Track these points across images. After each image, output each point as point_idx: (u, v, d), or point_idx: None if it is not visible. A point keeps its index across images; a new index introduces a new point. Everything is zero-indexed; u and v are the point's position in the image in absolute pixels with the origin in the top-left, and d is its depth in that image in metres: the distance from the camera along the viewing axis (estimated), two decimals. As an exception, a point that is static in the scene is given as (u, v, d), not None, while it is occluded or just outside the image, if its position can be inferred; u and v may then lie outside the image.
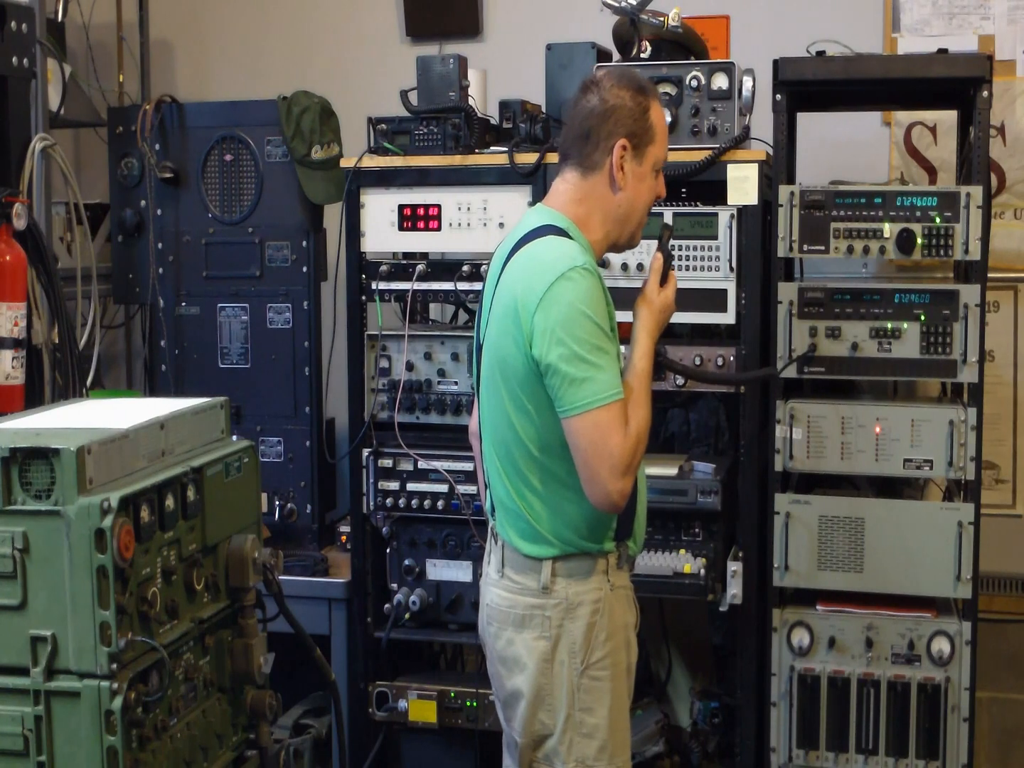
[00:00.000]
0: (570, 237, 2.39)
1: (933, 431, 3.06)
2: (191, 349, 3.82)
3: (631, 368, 2.42)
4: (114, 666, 1.82)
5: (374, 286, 3.40)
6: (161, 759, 1.94)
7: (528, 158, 3.27)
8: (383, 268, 3.39)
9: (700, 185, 3.19)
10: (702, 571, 3.12)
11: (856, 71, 3.11)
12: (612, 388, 2.28)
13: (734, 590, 3.12)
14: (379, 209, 3.40)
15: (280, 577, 2.26)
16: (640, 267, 3.15)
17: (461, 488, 3.34)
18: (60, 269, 3.27)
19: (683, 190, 3.23)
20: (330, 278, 3.66)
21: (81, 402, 2.39)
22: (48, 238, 3.31)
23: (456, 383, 3.38)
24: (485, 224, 3.33)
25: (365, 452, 3.43)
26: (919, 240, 3.04)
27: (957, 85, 3.14)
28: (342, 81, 4.22)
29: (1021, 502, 3.89)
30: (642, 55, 3.28)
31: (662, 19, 3.26)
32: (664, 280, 2.54)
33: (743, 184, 3.10)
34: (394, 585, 3.46)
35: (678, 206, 3.18)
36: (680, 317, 2.91)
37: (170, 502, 1.97)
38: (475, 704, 3.40)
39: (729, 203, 3.11)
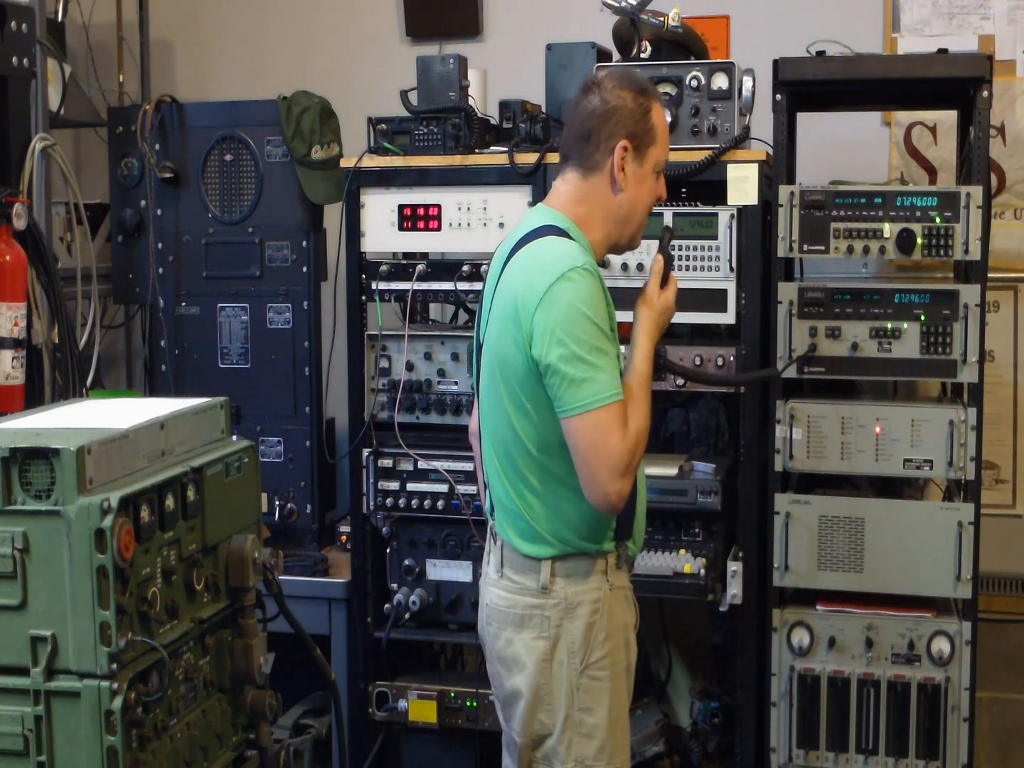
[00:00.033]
0: (570, 237, 2.39)
1: (933, 431, 3.06)
2: (191, 349, 3.82)
3: (631, 369, 2.42)
4: (114, 666, 1.82)
5: (374, 286, 3.40)
6: (161, 759, 1.94)
7: (528, 158, 3.26)
8: (383, 268, 3.39)
9: (700, 185, 3.19)
10: (702, 571, 3.12)
11: (856, 71, 3.11)
12: (612, 389, 2.28)
13: (734, 590, 3.12)
14: (379, 209, 3.40)
15: (280, 577, 2.26)
16: (640, 267, 3.15)
17: (461, 488, 3.34)
18: (60, 269, 3.27)
19: (683, 190, 3.23)
20: (330, 278, 3.66)
21: (81, 402, 2.39)
22: (48, 238, 3.31)
23: (456, 383, 3.38)
24: (485, 224, 3.33)
25: (365, 452, 3.43)
26: (919, 240, 3.04)
27: (957, 85, 3.14)
28: (342, 81, 4.21)
29: (1021, 502, 3.89)
30: (642, 55, 3.28)
31: (662, 19, 3.25)
32: (664, 282, 2.54)
33: (743, 184, 3.10)
34: (394, 585, 3.46)
35: (678, 206, 3.18)
36: (680, 317, 2.91)
37: (170, 502, 1.97)
38: (475, 704, 3.40)
39: (729, 203, 3.11)
